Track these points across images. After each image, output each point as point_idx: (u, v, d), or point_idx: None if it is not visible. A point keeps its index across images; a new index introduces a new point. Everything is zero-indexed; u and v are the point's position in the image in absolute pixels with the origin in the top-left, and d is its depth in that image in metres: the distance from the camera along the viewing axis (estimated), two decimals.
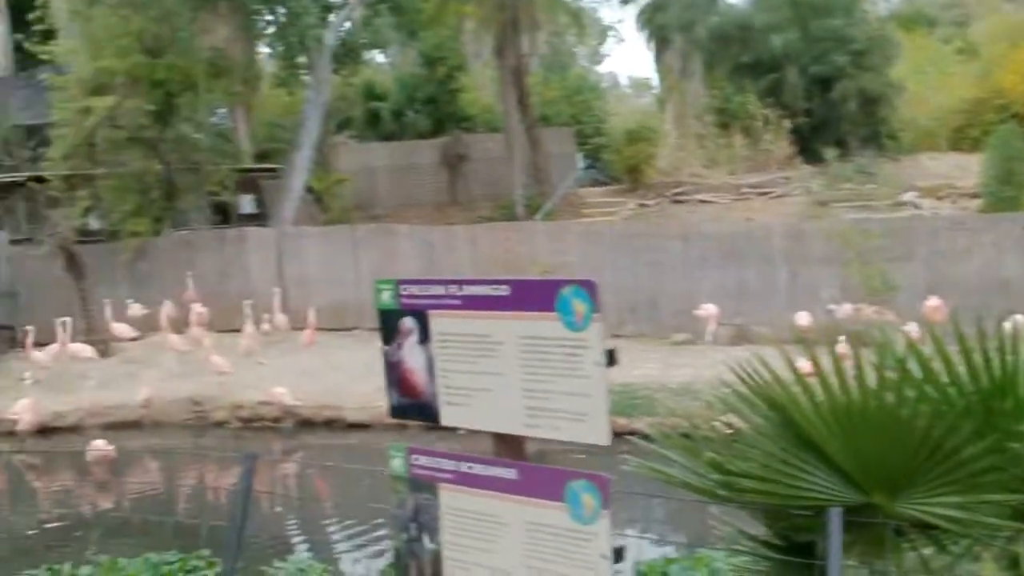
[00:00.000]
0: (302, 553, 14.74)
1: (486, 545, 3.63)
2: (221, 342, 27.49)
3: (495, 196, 39.18)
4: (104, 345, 29.01)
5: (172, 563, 11.76)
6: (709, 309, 26.46)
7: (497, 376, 3.54)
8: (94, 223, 33.17)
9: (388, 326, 3.84)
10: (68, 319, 27.73)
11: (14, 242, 33.31)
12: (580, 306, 3.29)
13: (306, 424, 24.96)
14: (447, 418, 3.72)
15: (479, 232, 30.90)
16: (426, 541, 3.82)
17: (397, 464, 3.88)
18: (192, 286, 29.62)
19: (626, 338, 27.68)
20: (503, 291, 3.48)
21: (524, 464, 3.55)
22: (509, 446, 3.62)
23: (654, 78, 57.03)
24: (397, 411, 3.89)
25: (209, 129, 38.07)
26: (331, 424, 24.74)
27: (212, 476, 21.85)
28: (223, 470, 21.85)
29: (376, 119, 44.87)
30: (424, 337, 3.72)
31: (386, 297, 3.82)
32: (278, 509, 18.89)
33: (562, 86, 48.35)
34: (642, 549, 10.89)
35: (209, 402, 25.89)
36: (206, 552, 11.61)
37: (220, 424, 25.56)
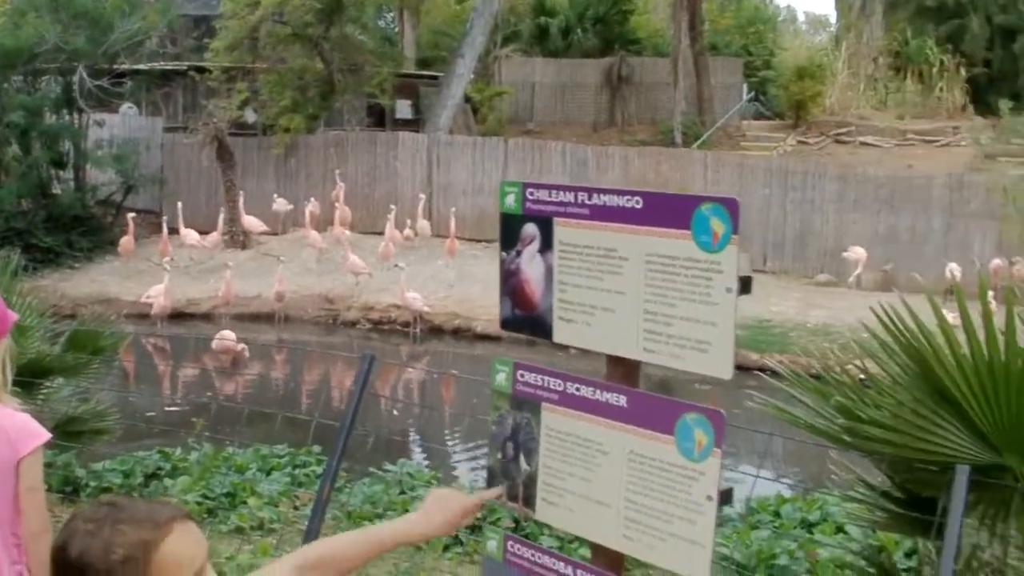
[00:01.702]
0: (414, 458, 14.77)
1: (584, 473, 3.38)
2: (362, 243, 27.65)
3: (655, 121, 38.75)
4: (245, 237, 29.36)
5: (281, 456, 11.78)
6: (857, 252, 25.91)
7: (618, 295, 3.27)
8: (249, 117, 33.53)
9: (509, 232, 3.57)
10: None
11: (169, 129, 33.84)
12: (718, 226, 3.00)
13: (435, 331, 25.10)
14: (560, 335, 3.46)
15: (633, 155, 30.58)
16: (522, 462, 3.58)
17: (501, 379, 3.64)
18: (339, 185, 29.73)
19: (769, 274, 27.35)
20: (636, 203, 3.20)
21: (635, 391, 3.29)
22: (623, 371, 3.36)
23: (832, 16, 55.61)
24: (508, 323, 3.64)
25: (374, 31, 38.15)
26: (460, 333, 24.81)
27: (337, 375, 22.01)
28: (348, 369, 21.96)
29: (544, 34, 44.44)
30: (546, 246, 3.46)
31: (510, 200, 3.55)
32: (396, 413, 18.96)
33: (736, 15, 47.47)
34: (757, 485, 10.61)
35: (341, 301, 26.14)
36: (316, 449, 11.60)
37: (351, 324, 25.81)
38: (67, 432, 10.35)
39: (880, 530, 6.71)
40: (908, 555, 7.14)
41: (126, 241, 28.70)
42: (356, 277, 26.16)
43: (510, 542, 3.69)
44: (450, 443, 17.98)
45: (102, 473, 10.79)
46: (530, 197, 3.49)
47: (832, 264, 27.03)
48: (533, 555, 3.59)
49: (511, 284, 3.59)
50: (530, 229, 3.49)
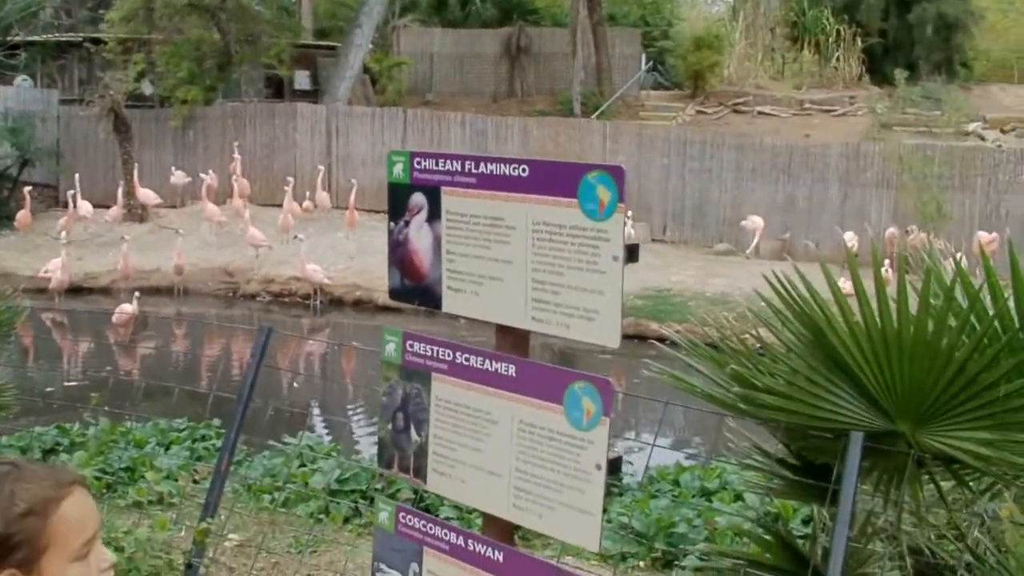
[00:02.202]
0: (316, 431, 14.71)
1: (475, 443, 3.37)
2: (261, 215, 27.42)
3: (553, 92, 38.76)
4: (143, 210, 29.01)
5: (181, 430, 11.72)
6: (755, 221, 26.18)
7: (506, 264, 3.25)
8: (147, 88, 33.07)
9: (397, 201, 3.54)
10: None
11: (65, 102, 33.29)
12: (604, 194, 2.99)
13: (336, 303, 25.03)
14: (449, 305, 3.44)
15: (532, 125, 30.58)
16: (412, 433, 3.56)
17: (391, 350, 3.61)
18: (238, 157, 29.42)
19: (668, 243, 27.60)
20: (522, 171, 3.18)
21: (523, 360, 3.28)
22: (512, 340, 3.35)
23: None
24: (397, 293, 3.61)
25: (271, 1, 37.72)
26: (360, 305, 24.76)
27: (237, 348, 21.85)
28: (248, 342, 21.79)
29: (442, 4, 44.22)
30: (434, 216, 3.43)
31: (398, 170, 3.52)
32: (296, 385, 18.87)
33: None
34: (658, 455, 10.73)
35: (241, 274, 25.97)
36: (216, 422, 11.53)
37: (251, 297, 25.66)
38: None
39: (777, 497, 6.76)
40: (805, 522, 7.23)
41: (23, 215, 28.29)
42: (256, 250, 25.93)
43: (402, 513, 3.68)
44: (352, 415, 17.93)
45: None
46: (417, 167, 3.46)
47: (731, 233, 27.28)
48: (425, 526, 3.58)
49: (399, 254, 3.56)
50: (418, 199, 3.46)
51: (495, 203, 3.25)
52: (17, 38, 31.61)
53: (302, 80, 37.20)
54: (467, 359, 3.37)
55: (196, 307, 25.41)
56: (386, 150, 29.60)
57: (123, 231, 26.93)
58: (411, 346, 3.55)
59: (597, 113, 35.00)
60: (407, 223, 3.51)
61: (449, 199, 3.38)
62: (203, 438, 11.52)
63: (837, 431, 4.48)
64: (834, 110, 36.92)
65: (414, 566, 3.62)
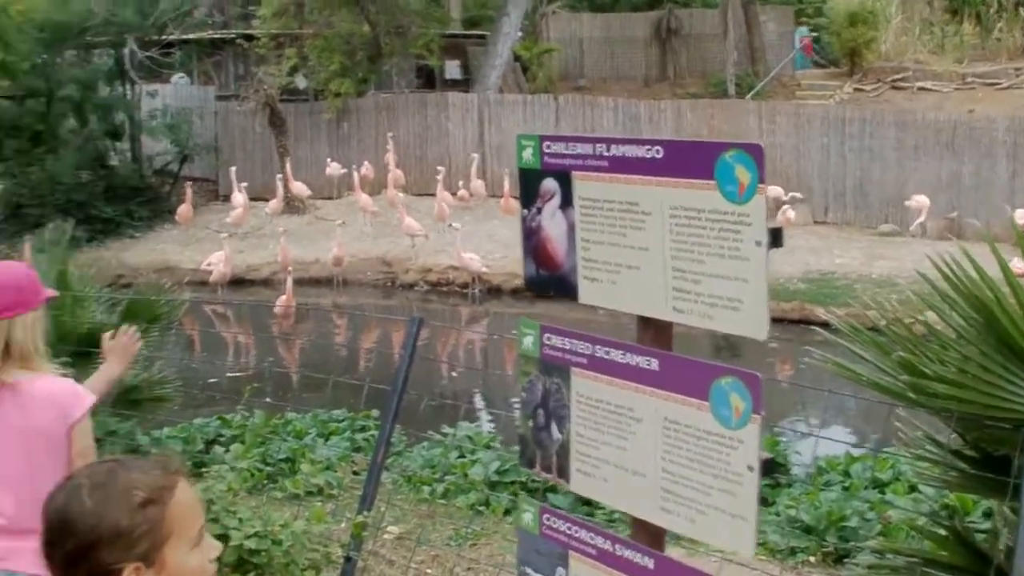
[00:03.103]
0: (473, 421, 14.62)
1: (618, 441, 3.18)
2: (416, 205, 27.50)
3: (706, 74, 38.19)
4: (300, 203, 29.37)
5: (340, 421, 11.80)
6: (920, 201, 25.32)
7: (643, 252, 3.06)
8: (300, 82, 33.50)
9: (529, 187, 3.37)
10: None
11: (220, 98, 33.90)
12: (743, 175, 2.78)
13: (493, 291, 24.91)
14: (586, 295, 3.26)
15: (685, 108, 30.11)
16: (554, 430, 3.39)
17: (528, 343, 3.44)
18: (392, 148, 29.58)
19: (831, 225, 26.96)
20: (656, 153, 2.98)
21: (666, 354, 3.08)
22: (654, 332, 3.15)
23: None
24: (533, 283, 3.44)
25: None
26: (518, 293, 24.58)
27: (397, 337, 21.91)
28: (403, 330, 21.87)
29: None
30: (566, 202, 3.25)
31: (528, 155, 3.35)
32: (454, 375, 18.84)
33: None
34: (824, 445, 10.39)
35: (399, 264, 26.06)
36: (375, 413, 11.50)
37: (409, 286, 25.73)
38: (128, 401, 10.35)
39: (953, 491, 6.44)
40: (986, 515, 6.86)
41: (184, 209, 28.86)
42: (412, 239, 26.02)
43: (546, 515, 3.51)
44: (511, 406, 17.83)
45: (163, 440, 10.85)
46: (547, 150, 3.29)
47: (895, 213, 26.50)
48: (570, 528, 3.40)
49: (533, 243, 3.40)
50: (549, 184, 3.29)
51: (629, 187, 3.06)
52: (172, 36, 32.26)
53: (452, 70, 37.29)
54: (607, 352, 3.19)
55: (355, 297, 25.60)
56: None
57: (281, 223, 27.25)
58: (549, 339, 3.38)
59: (751, 94, 34.38)
60: (539, 210, 3.34)
61: (581, 184, 3.19)
62: (362, 429, 11.60)
63: (1015, 421, 4.23)
64: (998, 83, 35.55)
65: (560, 571, 3.46)
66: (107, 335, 5.23)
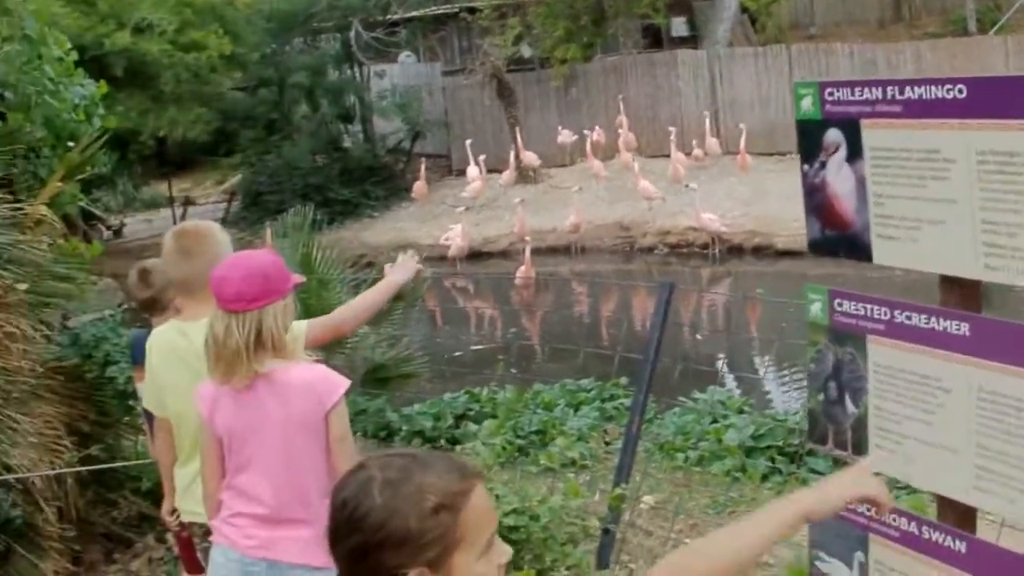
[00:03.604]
0: (723, 384, 14.35)
1: (924, 415, 2.88)
2: (650, 167, 27.19)
3: (944, 11, 36.49)
4: (534, 172, 29.38)
5: (588, 391, 11.65)
6: None
7: (948, 204, 2.74)
8: (525, 51, 33.47)
9: (809, 141, 3.06)
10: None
11: (447, 73, 34.17)
12: None
13: (734, 251, 24.52)
14: (881, 255, 2.95)
15: (925, 49, 28.89)
16: (848, 404, 3.10)
17: (816, 310, 3.16)
18: (622, 111, 29.30)
19: None
20: (959, 92, 2.67)
21: (980, 317, 2.76)
22: (960, 293, 2.83)
23: None
24: (818, 245, 3.15)
25: None
26: (760, 251, 24.16)
27: (638, 303, 21.73)
28: (648, 297, 21.69)
29: None
30: (854, 154, 2.95)
31: (807, 104, 3.05)
32: (699, 338, 18.52)
33: None
34: None
35: (636, 228, 25.84)
36: (623, 380, 11.33)
37: (647, 250, 25.49)
38: (377, 379, 10.48)
39: None
40: None
41: (419, 186, 29.31)
42: (649, 202, 25.77)
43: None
44: (762, 369, 17.44)
45: (413, 417, 10.92)
46: (829, 98, 2.98)
47: None
48: (868, 509, 3.11)
49: (817, 200, 3.09)
50: (833, 135, 2.99)
51: (928, 133, 2.74)
52: (396, 15, 32.68)
53: (679, 27, 36.66)
54: (908, 317, 2.89)
55: (594, 264, 25.52)
56: (773, 90, 29.25)
57: (516, 194, 27.32)
58: (839, 305, 3.09)
59: (995, 28, 32.77)
60: (823, 164, 3.04)
61: (871, 133, 2.89)
62: (611, 398, 11.41)
63: None
64: None
65: (859, 555, 3.18)
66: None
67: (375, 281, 10.11)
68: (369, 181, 30.69)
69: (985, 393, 2.72)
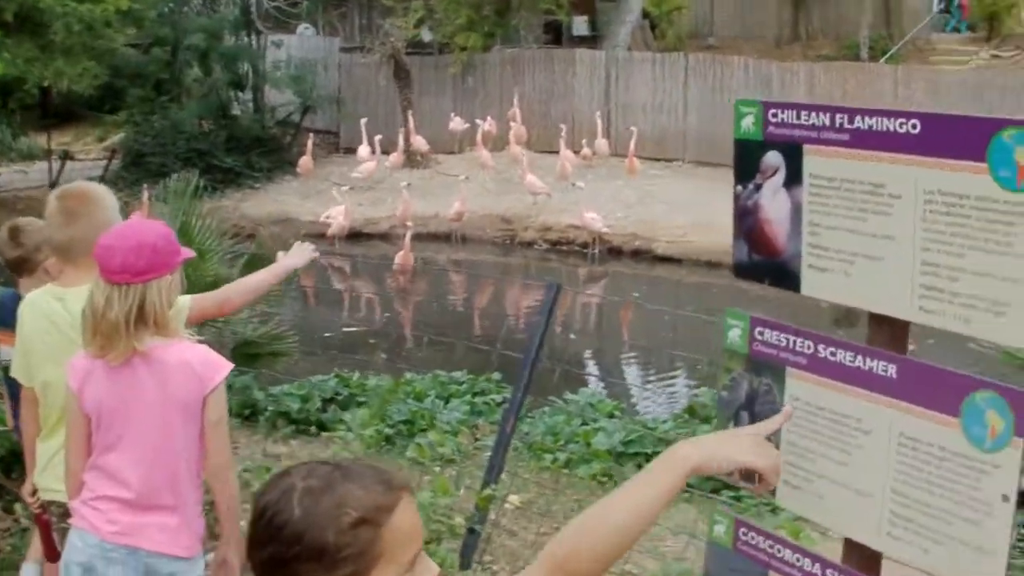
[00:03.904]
0: (591, 386, 14.39)
1: (839, 455, 2.79)
2: (539, 162, 27.20)
3: (839, 36, 37.06)
4: (421, 157, 29.24)
5: (460, 383, 11.57)
6: None
7: (887, 240, 2.65)
8: (425, 35, 33.32)
9: (746, 161, 2.95)
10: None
11: (345, 49, 33.88)
12: None
13: (613, 252, 24.66)
14: (810, 286, 2.85)
15: (819, 71, 29.34)
16: None
17: (735, 336, 3.05)
18: (516, 104, 29.26)
19: None
20: (911, 127, 2.58)
21: (908, 359, 2.67)
22: (890, 333, 2.75)
23: None
24: (744, 270, 3.04)
25: None
26: (639, 255, 24.39)
27: (512, 296, 21.76)
28: (524, 291, 21.76)
29: None
30: (792, 179, 2.84)
31: (747, 123, 2.94)
32: (573, 337, 18.54)
33: None
34: None
35: (519, 221, 25.88)
36: (497, 376, 11.29)
37: (528, 244, 25.54)
38: (245, 355, 10.23)
39: None
40: None
41: (305, 161, 28.97)
42: (534, 197, 25.79)
43: (742, 529, 3.13)
44: (628, 371, 17.51)
45: (280, 397, 10.71)
46: (772, 119, 2.87)
47: None
48: (771, 546, 3.02)
49: (748, 224, 2.98)
50: (772, 158, 2.88)
51: (874, 165, 2.65)
52: None
53: (580, 26, 36.80)
54: (833, 353, 2.79)
55: (473, 253, 25.47)
56: (667, 97, 29.46)
57: (402, 177, 27.15)
58: (760, 333, 2.98)
59: (885, 57, 33.36)
60: (758, 187, 2.93)
61: (813, 160, 2.78)
62: (483, 392, 11.35)
63: None
64: None
65: None
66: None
67: (254, 256, 9.91)
68: (255, 151, 30.25)
69: (906, 438, 2.64)
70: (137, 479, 4.08)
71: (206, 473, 4.21)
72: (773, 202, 2.89)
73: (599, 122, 28.68)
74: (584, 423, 10.24)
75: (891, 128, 2.60)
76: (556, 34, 36.31)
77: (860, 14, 34.81)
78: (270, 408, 10.50)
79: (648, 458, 9.29)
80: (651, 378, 16.73)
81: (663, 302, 21.82)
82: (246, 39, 32.19)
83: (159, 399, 4.02)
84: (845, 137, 2.70)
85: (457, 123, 30.12)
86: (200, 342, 4.34)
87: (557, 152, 27.31)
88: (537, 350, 7.50)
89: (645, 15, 35.88)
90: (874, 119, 2.64)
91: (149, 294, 3.97)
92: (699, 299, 22.04)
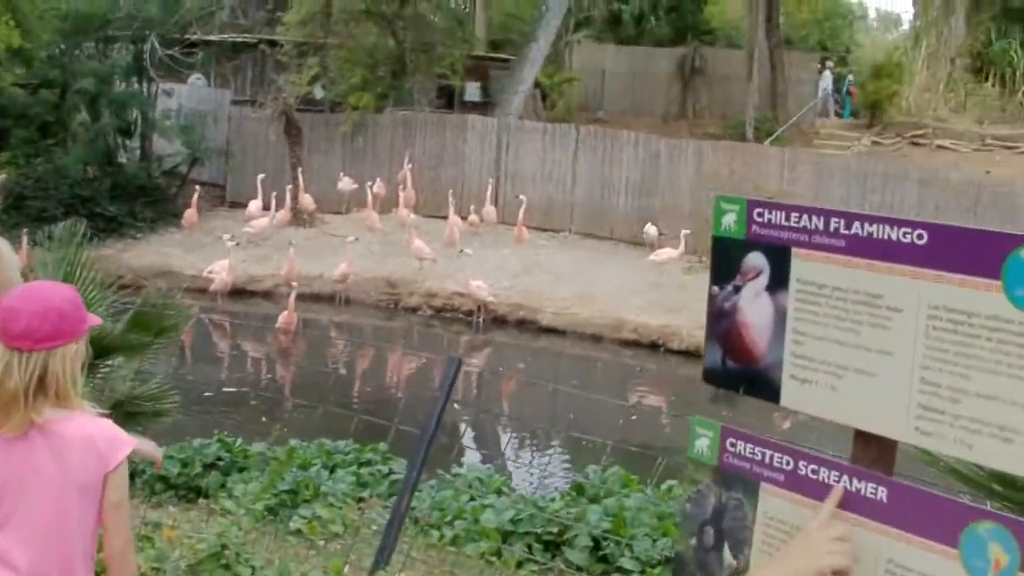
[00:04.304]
0: (477, 461, 14.27)
1: None
2: (426, 227, 27.07)
3: (726, 115, 37.81)
4: (309, 216, 28.97)
5: (346, 452, 11.35)
6: None
7: (883, 356, 2.48)
8: (318, 93, 33.18)
9: (725, 260, 2.77)
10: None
11: (236, 102, 33.58)
12: None
13: (498, 321, 24.54)
14: (791, 398, 2.66)
15: (707, 149, 29.67)
16: (726, 555, 2.79)
17: (702, 445, 2.85)
18: (408, 167, 29.13)
19: None
20: (918, 237, 2.42)
21: (900, 484, 2.50)
22: (876, 452, 2.57)
23: (904, 14, 54.27)
24: (716, 375, 2.84)
25: (447, 11, 37.64)
26: (523, 325, 24.30)
27: (395, 363, 21.59)
28: (408, 358, 21.60)
29: (616, 21, 43.76)
30: (777, 283, 2.66)
31: (728, 221, 2.76)
32: (455, 406, 18.33)
33: (812, 9, 46.30)
34: None
35: (404, 286, 25.72)
36: (383, 447, 11.08)
37: (412, 310, 25.36)
38: (125, 414, 9.80)
39: None
40: None
41: (190, 213, 28.52)
42: (420, 262, 25.61)
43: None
44: (508, 443, 17.35)
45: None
46: (758, 219, 2.69)
47: None
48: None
49: (724, 327, 2.79)
50: (755, 260, 2.70)
51: (873, 275, 2.48)
52: (194, 36, 32.01)
53: (473, 92, 36.93)
54: (815, 471, 2.60)
55: (356, 316, 25.20)
56: (556, 167, 29.57)
57: (289, 235, 26.80)
58: (732, 445, 2.79)
59: (771, 139, 33.94)
60: (737, 289, 2.75)
61: (803, 265, 2.61)
62: (369, 462, 11.09)
63: None
64: (1018, 147, 35.27)
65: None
66: None
67: (140, 313, 9.56)
68: (139, 200, 29.76)
69: (896, 566, 2.46)
70: (26, 561, 3.76)
71: (105, 555, 3.90)
72: (754, 306, 2.71)
73: (489, 189, 28.63)
74: (472, 499, 10.03)
75: (894, 237, 2.44)
76: (449, 99, 36.37)
77: (747, 95, 35.41)
78: (149, 471, 10.14)
79: (537, 537, 9.13)
80: (533, 452, 16.59)
81: (546, 374, 21.76)
82: (137, 86, 31.67)
83: (56, 477, 3.73)
84: (840, 243, 2.53)
85: (346, 183, 29.90)
86: (102, 416, 4.02)
87: (445, 217, 27.27)
88: (436, 427, 7.30)
89: (537, 85, 36.08)
90: (874, 226, 2.48)
91: (52, 363, 3.69)
92: (584, 372, 22.00)
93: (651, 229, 27.01)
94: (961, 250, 2.34)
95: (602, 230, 28.87)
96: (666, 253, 25.05)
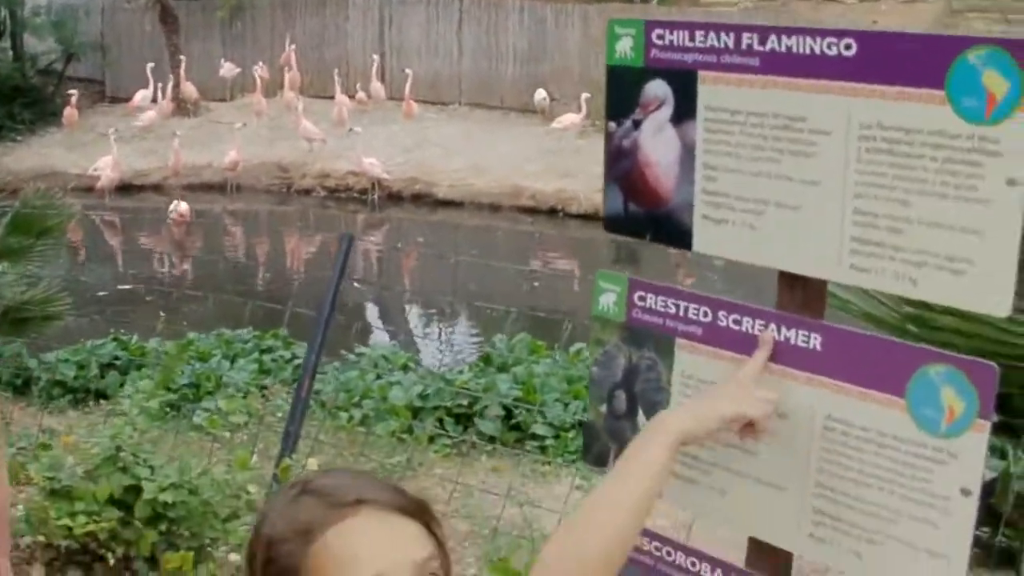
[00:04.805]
0: (384, 340, 14.09)
1: (747, 444, 2.30)
2: (313, 108, 26.48)
3: None
4: (191, 105, 28.21)
5: (246, 341, 10.98)
6: None
7: (808, 185, 2.16)
8: None
9: (621, 92, 2.42)
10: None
11: None
12: (996, 83, 1.92)
13: (393, 198, 24.26)
14: (705, 242, 2.35)
15: (593, 12, 29.10)
16: (640, 421, 2.51)
17: (608, 301, 2.54)
18: (290, 48, 28.40)
19: None
20: (844, 48, 2.10)
21: (836, 327, 2.21)
22: (804, 296, 2.28)
23: None
24: (618, 223, 2.51)
25: None
26: (419, 199, 24.08)
27: (293, 246, 21.22)
28: (305, 240, 21.25)
29: None
30: (683, 113, 2.33)
31: (623, 47, 2.40)
32: (356, 285, 18.04)
33: None
34: None
35: (296, 169, 25.25)
36: (284, 332, 10.74)
37: (305, 192, 24.99)
38: (15, 320, 9.48)
39: None
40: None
41: (69, 112, 27.58)
42: (310, 144, 25.11)
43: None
44: (413, 321, 17.15)
45: (55, 365, 10.16)
46: (657, 42, 2.35)
47: None
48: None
49: (623, 167, 2.46)
50: (656, 88, 2.36)
51: (793, 95, 2.15)
52: None
53: None
54: (737, 321, 2.31)
55: (250, 203, 24.75)
56: (441, 40, 28.94)
57: (173, 126, 26.07)
58: (641, 299, 2.48)
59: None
60: (637, 123, 2.41)
61: (711, 90, 2.27)
62: (270, 349, 10.77)
63: None
64: None
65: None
66: None
67: (18, 216, 9.11)
68: (16, 103, 28.62)
69: (835, 422, 2.18)
70: None
71: None
72: (656, 141, 2.38)
73: (374, 65, 28.04)
74: (378, 377, 9.84)
75: (817, 50, 2.11)
76: None
77: None
78: (44, 377, 9.97)
79: (448, 411, 9.00)
80: (438, 326, 16.42)
81: (446, 247, 21.53)
82: None
83: None
84: (754, 62, 2.20)
85: (228, 69, 29.17)
86: None
87: (332, 97, 26.81)
88: (332, 307, 7.07)
89: None
90: (794, 39, 2.15)
91: None
92: (484, 242, 21.77)
93: (541, 94, 26.63)
94: (897, 59, 2.02)
95: (492, 100, 28.43)
96: (568, 119, 24.73)
